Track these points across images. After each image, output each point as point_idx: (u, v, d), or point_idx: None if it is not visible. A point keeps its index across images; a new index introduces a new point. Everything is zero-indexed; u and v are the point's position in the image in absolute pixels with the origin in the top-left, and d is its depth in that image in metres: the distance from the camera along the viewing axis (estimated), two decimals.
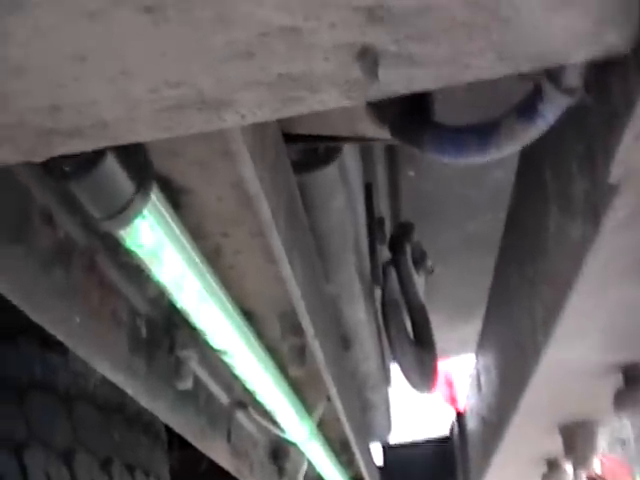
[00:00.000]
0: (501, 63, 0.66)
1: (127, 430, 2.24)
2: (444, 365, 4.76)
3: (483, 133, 1.00)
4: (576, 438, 1.99)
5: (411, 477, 3.41)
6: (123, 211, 0.99)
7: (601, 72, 0.84)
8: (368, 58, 0.62)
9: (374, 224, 2.04)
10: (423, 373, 2.03)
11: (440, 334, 3.05)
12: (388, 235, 2.15)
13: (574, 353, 1.50)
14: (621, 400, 1.60)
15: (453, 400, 3.52)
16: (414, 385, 2.08)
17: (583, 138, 1.07)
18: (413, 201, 2.47)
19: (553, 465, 2.45)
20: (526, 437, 2.13)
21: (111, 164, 0.93)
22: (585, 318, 1.34)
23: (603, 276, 1.19)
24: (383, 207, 2.35)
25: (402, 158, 2.24)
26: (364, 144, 1.72)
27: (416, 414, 4.82)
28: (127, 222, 1.02)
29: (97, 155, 0.91)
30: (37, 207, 1.11)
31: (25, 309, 1.11)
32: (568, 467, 2.42)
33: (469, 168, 2.41)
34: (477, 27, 0.62)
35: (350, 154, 1.62)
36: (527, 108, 0.92)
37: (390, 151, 2.21)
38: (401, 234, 2.10)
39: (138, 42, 0.62)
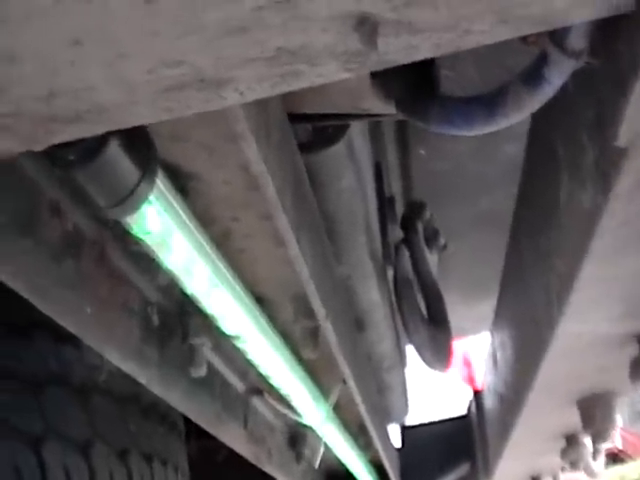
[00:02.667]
0: (502, 27, 0.64)
1: (143, 420, 2.23)
2: (462, 344, 4.75)
3: (490, 103, 0.99)
4: (594, 411, 1.98)
5: (429, 457, 3.41)
6: (129, 198, 0.98)
7: (607, 33, 0.82)
8: (366, 27, 0.61)
9: (385, 203, 2.02)
10: (437, 351, 2.02)
11: (456, 313, 3.05)
12: (400, 214, 2.14)
13: (589, 324, 1.49)
14: (637, 370, 1.58)
15: (471, 380, 3.51)
16: (428, 363, 2.07)
17: (592, 104, 1.05)
18: (425, 180, 2.46)
19: (572, 440, 2.44)
20: (543, 412, 2.12)
21: (114, 150, 0.93)
22: (599, 288, 1.33)
23: (615, 244, 1.18)
24: (395, 186, 2.33)
25: (413, 137, 2.23)
26: (373, 122, 1.71)
27: (434, 395, 4.81)
28: (134, 209, 1.01)
29: (100, 142, 0.90)
30: (45, 199, 1.11)
31: (35, 302, 1.12)
32: (587, 441, 2.41)
33: (481, 144, 2.40)
34: None
35: (358, 133, 1.60)
36: (533, 74, 0.90)
37: (401, 130, 2.20)
38: (413, 212, 2.09)
39: (133, 23, 0.61)
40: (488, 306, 2.94)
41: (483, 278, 3.09)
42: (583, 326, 1.49)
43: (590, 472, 2.39)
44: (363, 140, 1.70)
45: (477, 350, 4.31)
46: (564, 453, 2.50)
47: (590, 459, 2.40)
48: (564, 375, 1.80)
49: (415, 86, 1.12)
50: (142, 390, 2.28)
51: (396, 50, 0.65)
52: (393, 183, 2.30)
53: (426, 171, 2.38)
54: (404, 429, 3.49)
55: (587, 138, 1.11)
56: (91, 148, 0.91)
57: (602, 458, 2.30)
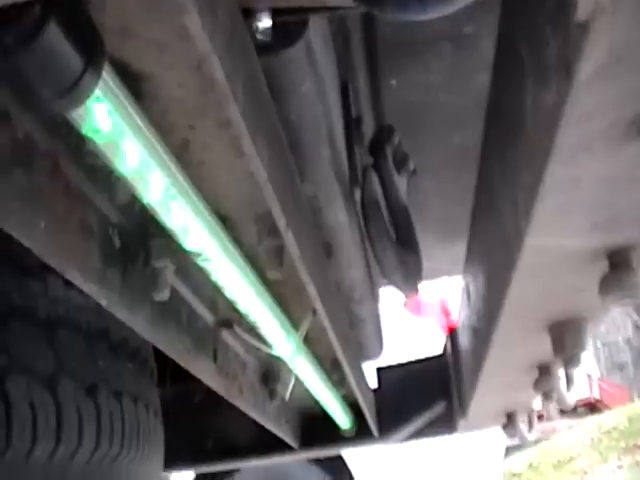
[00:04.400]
0: None
1: (113, 356, 2.21)
2: (440, 294, 4.76)
3: None
4: (565, 336, 1.97)
5: (405, 397, 3.42)
6: (74, 88, 0.95)
7: None
8: None
9: (351, 123, 1.99)
10: (406, 274, 2.00)
11: (431, 254, 3.03)
12: (369, 138, 2.11)
13: (556, 238, 1.47)
14: (606, 286, 1.57)
15: (450, 328, 3.50)
16: (398, 286, 2.05)
17: None
18: (396, 112, 2.42)
19: (544, 370, 2.44)
20: (515, 340, 2.12)
21: (55, 33, 0.89)
22: (565, 195, 1.31)
23: (580, 144, 1.15)
24: (365, 114, 2.30)
25: (384, 64, 2.19)
26: (338, 38, 1.67)
27: (411, 340, 4.82)
28: (79, 101, 0.98)
29: (38, 23, 0.87)
30: None
31: None
32: (560, 372, 2.41)
33: (453, 74, 2.36)
34: None
35: (320, 40, 1.56)
36: None
37: (370, 57, 2.16)
38: (381, 136, 2.06)
39: None
40: (464, 247, 2.93)
41: (458, 217, 3.07)
42: (550, 239, 1.47)
43: (563, 403, 2.39)
44: (325, 46, 1.66)
45: (455, 296, 4.31)
46: (537, 385, 2.50)
47: (563, 390, 2.40)
48: (534, 297, 1.79)
49: None
50: (111, 325, 2.27)
51: None
52: (363, 110, 2.26)
53: (397, 102, 2.35)
54: (379, 370, 3.49)
55: (550, 31, 1.08)
56: (29, 31, 0.88)
57: (574, 387, 2.30)
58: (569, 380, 2.28)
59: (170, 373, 3.19)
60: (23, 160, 1.17)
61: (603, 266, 1.60)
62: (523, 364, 2.40)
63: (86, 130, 1.05)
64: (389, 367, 3.50)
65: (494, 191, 1.77)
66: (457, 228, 3.20)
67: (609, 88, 1.03)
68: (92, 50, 0.96)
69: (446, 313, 4.69)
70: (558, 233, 1.46)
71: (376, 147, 2.02)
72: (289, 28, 1.34)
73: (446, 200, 3.15)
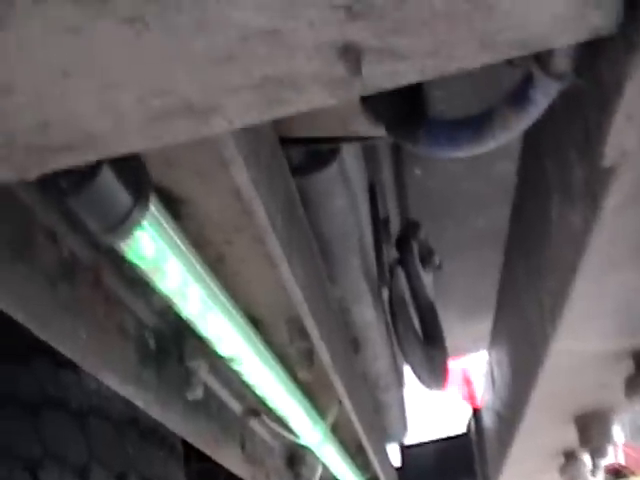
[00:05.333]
0: (485, 52, 0.66)
1: (142, 444, 2.24)
2: (461, 363, 4.75)
3: (477, 124, 1.00)
4: (591, 428, 1.98)
5: (429, 476, 3.40)
6: (122, 224, 1.00)
7: (590, 55, 0.83)
8: (351, 55, 0.62)
9: (379, 224, 2.03)
10: (433, 370, 2.02)
11: (454, 332, 3.04)
12: (395, 234, 2.15)
13: (582, 341, 1.50)
14: (632, 386, 1.59)
15: (472, 398, 3.51)
16: (424, 383, 2.07)
17: (580, 124, 1.07)
18: (420, 199, 2.46)
19: (570, 457, 2.44)
20: (541, 429, 2.13)
21: (107, 177, 0.94)
22: (590, 303, 1.34)
23: (605, 260, 1.19)
24: (390, 206, 2.34)
25: (408, 157, 2.24)
26: (366, 144, 1.72)
27: (434, 413, 4.80)
28: (127, 235, 1.03)
29: (93, 169, 0.91)
30: (40, 226, 1.12)
31: (31, 326, 1.13)
32: (586, 458, 2.41)
33: (475, 162, 2.41)
34: (458, 16, 0.62)
35: (351, 154, 1.62)
36: (519, 95, 0.91)
37: (395, 150, 2.21)
38: (407, 232, 2.10)
39: (121, 53, 0.62)
40: (486, 324, 2.94)
41: (480, 297, 3.08)
42: (577, 343, 1.50)
43: None
44: (356, 161, 1.72)
45: (477, 368, 4.30)
46: (563, 470, 2.50)
47: (589, 475, 2.39)
48: (560, 392, 1.81)
49: (403, 109, 1.13)
50: (140, 414, 2.29)
51: (381, 76, 0.66)
52: (388, 203, 2.31)
53: (421, 190, 2.39)
54: (404, 448, 3.48)
55: (576, 157, 1.13)
56: (83, 175, 0.92)
57: (601, 474, 2.30)
58: (595, 467, 2.28)
59: (196, 451, 3.20)
60: (67, 276, 1.22)
61: (628, 365, 1.63)
62: (549, 451, 2.41)
63: (131, 256, 1.10)
64: (413, 445, 3.49)
65: (519, 285, 1.80)
66: (479, 306, 3.22)
67: (635, 214, 1.07)
68: (140, 186, 1.00)
69: (468, 383, 4.67)
70: (584, 337, 1.49)
71: (403, 243, 2.06)
72: (323, 151, 1.40)
73: (469, 279, 3.18)
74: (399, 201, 2.39)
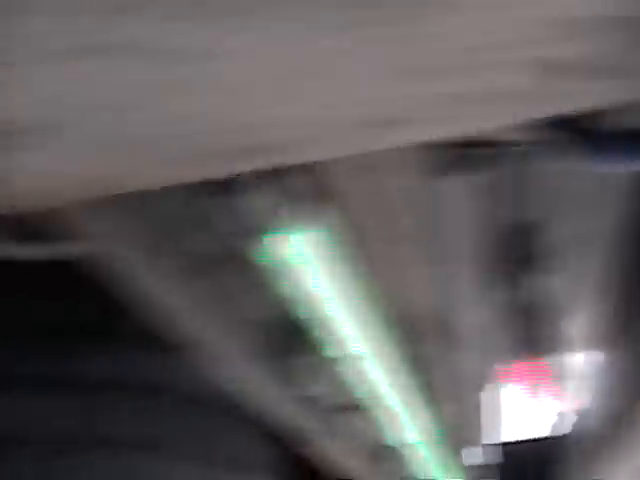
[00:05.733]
0: None
1: (244, 430, 2.26)
2: (561, 362, 4.67)
3: None
4: None
5: (527, 473, 3.41)
6: (267, 225, 1.00)
7: None
8: (552, 72, 0.61)
9: (499, 227, 2.00)
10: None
11: (559, 331, 3.00)
12: (517, 236, 2.12)
13: None
14: None
15: (569, 399, 3.46)
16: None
17: None
18: (542, 199, 2.43)
19: None
20: None
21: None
22: None
23: None
24: (511, 207, 2.31)
25: (527, 158, 2.20)
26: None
27: (532, 413, 4.77)
28: (269, 236, 1.03)
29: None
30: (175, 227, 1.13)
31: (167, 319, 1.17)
32: None
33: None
34: None
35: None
36: None
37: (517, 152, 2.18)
38: (527, 234, 2.06)
39: (338, 63, 0.61)
40: (587, 325, 2.90)
41: (585, 297, 3.05)
42: None
43: None
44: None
45: (577, 368, 4.24)
46: None
47: None
48: None
49: (582, 125, 1.07)
50: (242, 402, 2.31)
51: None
52: (510, 204, 2.28)
53: (543, 190, 2.35)
54: (504, 445, 3.50)
55: None
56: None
57: None
58: None
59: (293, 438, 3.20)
60: (208, 270, 1.25)
61: None
62: None
63: (266, 255, 1.12)
64: (514, 443, 3.49)
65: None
66: (579, 306, 3.18)
67: None
68: (291, 190, 1.00)
69: (565, 384, 4.57)
70: None
71: (522, 244, 2.00)
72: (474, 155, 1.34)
73: (569, 279, 3.14)
74: (519, 202, 2.36)
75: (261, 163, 0.73)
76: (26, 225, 1.27)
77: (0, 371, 1.76)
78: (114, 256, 1.08)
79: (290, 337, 1.57)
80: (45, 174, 0.67)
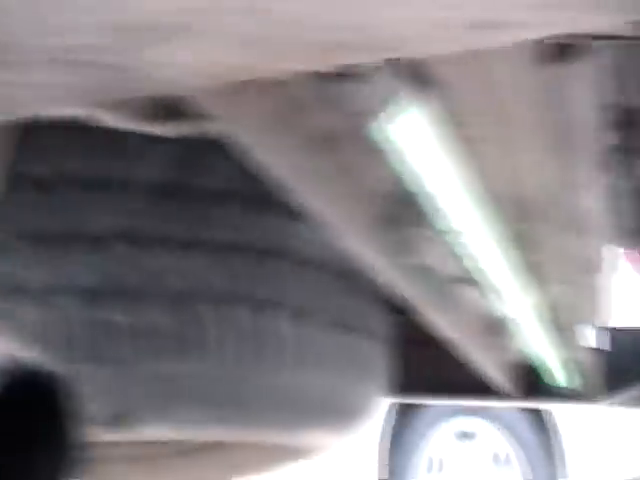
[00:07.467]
0: None
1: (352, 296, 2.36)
2: None
3: None
4: None
5: (637, 361, 3.36)
6: (383, 108, 1.07)
7: None
8: None
9: (604, 110, 1.99)
10: None
11: None
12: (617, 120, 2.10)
13: None
14: None
15: None
16: None
17: None
18: None
19: None
20: None
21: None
22: None
23: None
24: (629, 94, 2.27)
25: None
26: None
27: None
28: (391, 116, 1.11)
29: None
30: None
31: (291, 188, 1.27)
32: None
33: None
34: None
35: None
36: None
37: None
38: (630, 118, 2.04)
39: None
40: None
41: None
42: None
43: None
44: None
45: None
46: None
47: None
48: None
49: None
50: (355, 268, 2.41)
51: None
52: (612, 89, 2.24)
53: None
54: (613, 331, 3.45)
55: None
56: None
57: None
58: None
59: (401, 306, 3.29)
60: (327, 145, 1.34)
61: None
62: None
63: (385, 132, 1.18)
64: (624, 329, 3.43)
65: None
66: None
67: None
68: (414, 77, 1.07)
69: None
70: None
71: (625, 128, 1.99)
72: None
73: None
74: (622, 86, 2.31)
75: (375, 58, 0.77)
76: (166, 106, 1.39)
77: (142, 232, 1.89)
78: (244, 132, 1.15)
79: (405, 210, 1.66)
80: (184, 65, 0.73)
